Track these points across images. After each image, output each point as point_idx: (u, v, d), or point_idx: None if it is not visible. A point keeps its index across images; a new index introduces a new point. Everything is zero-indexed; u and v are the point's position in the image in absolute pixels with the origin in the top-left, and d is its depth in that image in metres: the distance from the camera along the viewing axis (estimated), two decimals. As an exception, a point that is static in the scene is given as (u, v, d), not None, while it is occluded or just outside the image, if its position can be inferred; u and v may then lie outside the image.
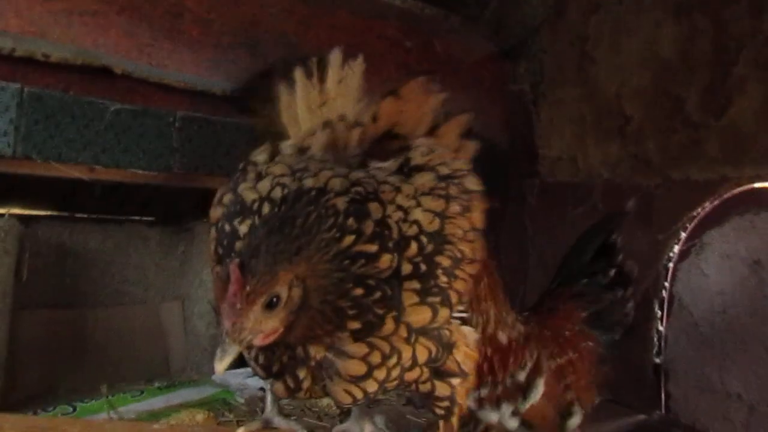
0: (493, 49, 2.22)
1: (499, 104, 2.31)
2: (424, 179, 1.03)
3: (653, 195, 1.89)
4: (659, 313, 1.86)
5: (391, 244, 0.94)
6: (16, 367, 1.80)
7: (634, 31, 1.92)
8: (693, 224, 1.80)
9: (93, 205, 2.07)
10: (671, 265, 1.84)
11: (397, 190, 1.00)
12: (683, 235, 1.82)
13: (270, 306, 0.88)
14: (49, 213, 2.05)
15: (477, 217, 1.04)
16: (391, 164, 1.07)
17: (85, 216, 2.09)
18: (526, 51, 2.24)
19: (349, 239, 0.92)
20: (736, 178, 1.71)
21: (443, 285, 0.98)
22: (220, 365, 0.87)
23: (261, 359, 0.99)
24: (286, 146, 1.10)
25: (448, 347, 1.02)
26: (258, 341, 0.89)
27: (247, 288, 0.87)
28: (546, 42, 2.20)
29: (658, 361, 1.85)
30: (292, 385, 0.97)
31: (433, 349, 0.99)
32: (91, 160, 1.55)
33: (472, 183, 1.08)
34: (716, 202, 1.75)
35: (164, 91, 1.63)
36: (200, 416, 1.46)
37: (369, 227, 0.94)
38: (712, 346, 1.72)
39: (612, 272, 1.48)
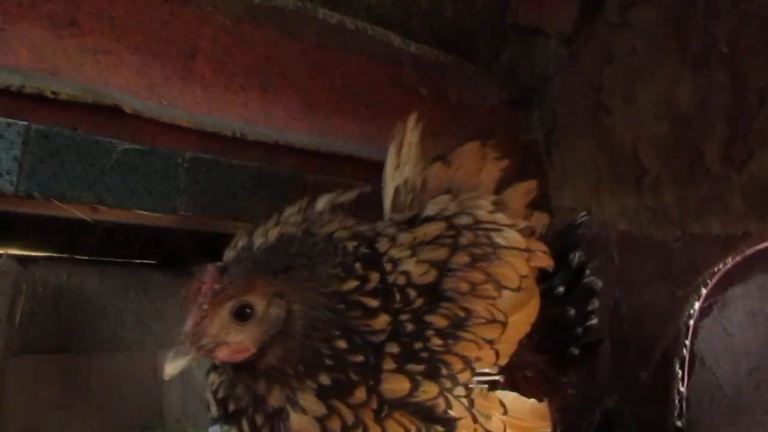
0: (506, 98, 2.21)
1: (511, 153, 2.27)
2: (430, 228, 0.97)
3: (672, 249, 1.83)
4: (680, 372, 1.77)
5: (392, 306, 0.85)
6: (3, 414, 1.71)
7: (650, 82, 1.91)
8: (714, 280, 1.74)
9: (93, 246, 2.02)
10: (692, 322, 1.77)
11: (393, 240, 0.93)
12: (704, 291, 1.75)
13: (240, 316, 0.81)
14: (47, 254, 1.99)
15: (505, 273, 0.96)
16: (401, 216, 1.02)
17: (85, 257, 2.04)
18: (538, 100, 2.23)
19: (352, 284, 0.86)
20: (759, 233, 1.65)
21: (436, 349, 0.84)
22: (170, 368, 0.79)
23: (220, 393, 0.89)
24: (321, 200, 1.05)
25: (448, 422, 0.84)
26: (222, 354, 0.81)
27: (216, 287, 0.80)
28: (559, 91, 2.19)
29: (679, 424, 1.76)
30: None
31: (412, 428, 0.82)
32: (95, 199, 1.50)
33: (507, 238, 1.00)
34: (739, 258, 1.69)
35: (174, 130, 1.59)
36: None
37: (374, 279, 0.87)
38: (738, 411, 1.64)
39: (561, 289, 1.32)
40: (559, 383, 1.28)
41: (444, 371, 0.85)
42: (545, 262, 1.11)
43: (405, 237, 0.94)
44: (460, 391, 0.87)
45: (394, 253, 0.91)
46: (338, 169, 1.87)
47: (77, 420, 1.89)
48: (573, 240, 1.38)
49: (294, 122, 1.78)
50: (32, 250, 1.93)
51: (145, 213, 1.60)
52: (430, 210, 1.03)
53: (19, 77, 1.34)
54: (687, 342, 1.76)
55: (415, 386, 0.82)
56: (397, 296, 0.86)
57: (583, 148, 2.08)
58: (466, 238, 0.97)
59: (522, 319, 0.99)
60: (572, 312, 1.29)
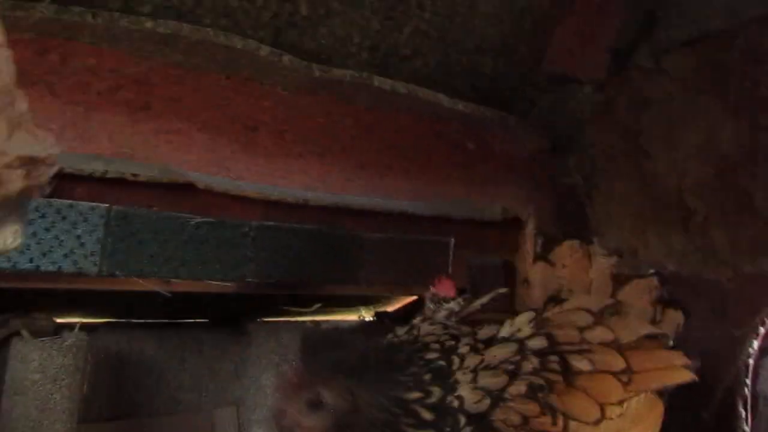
0: (544, 145, 2.26)
1: (551, 198, 2.32)
2: (499, 351, 0.95)
3: (725, 289, 1.86)
4: (743, 412, 1.79)
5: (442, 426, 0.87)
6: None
7: (691, 127, 1.96)
8: (772, 319, 1.76)
9: (150, 311, 2.06)
10: (752, 361, 1.79)
11: (462, 360, 0.93)
12: (762, 330, 1.78)
13: (314, 405, 0.85)
14: (107, 320, 2.03)
15: (577, 403, 0.92)
16: (484, 332, 1.02)
17: (142, 321, 2.07)
18: (575, 145, 2.28)
19: (416, 395, 0.88)
20: (814, 271, 1.68)
21: None
22: None
23: None
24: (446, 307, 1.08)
25: None
26: None
27: (296, 380, 0.86)
28: (595, 137, 2.24)
29: (748, 464, 1.77)
30: None
31: None
32: (171, 273, 1.55)
33: (594, 360, 0.96)
34: (796, 297, 1.72)
35: (240, 202, 1.64)
36: None
37: (436, 395, 0.89)
38: (807, 450, 1.64)
39: None
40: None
41: None
42: (669, 378, 1.10)
43: (473, 359, 0.94)
44: None
45: (459, 375, 0.92)
46: (393, 225, 1.92)
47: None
48: None
49: (349, 183, 1.83)
50: (94, 318, 1.97)
51: (214, 282, 1.65)
52: (506, 330, 1.01)
53: (102, 163, 1.40)
54: (748, 381, 1.78)
55: None
56: (449, 419, 0.87)
57: (625, 191, 2.13)
58: (531, 363, 0.94)
59: None
60: None
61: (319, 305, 2.22)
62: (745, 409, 1.78)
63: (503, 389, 0.90)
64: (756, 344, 1.79)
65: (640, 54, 2.12)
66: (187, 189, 1.53)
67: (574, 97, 2.24)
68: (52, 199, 1.37)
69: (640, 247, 2.09)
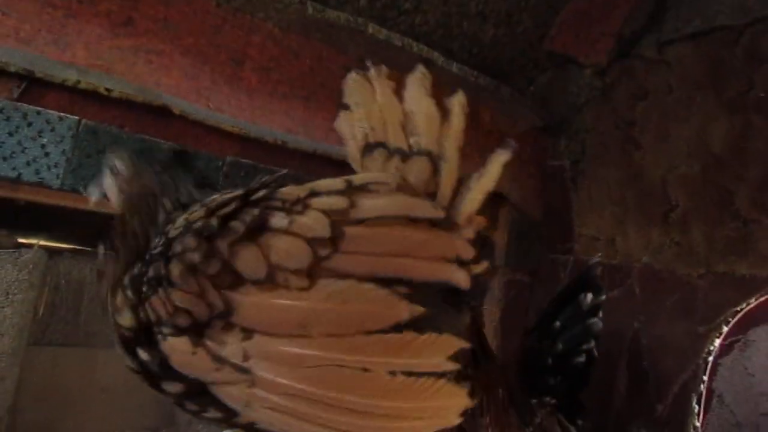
0: (537, 124, 2.23)
1: (537, 178, 2.30)
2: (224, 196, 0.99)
3: (695, 285, 1.85)
4: (697, 408, 1.79)
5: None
6: (19, 406, 1.70)
7: (684, 122, 1.93)
8: (737, 319, 1.75)
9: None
10: (711, 359, 1.79)
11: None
12: (726, 329, 1.77)
13: None
14: (71, 246, 1.99)
15: (244, 256, 0.88)
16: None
17: (107, 252, 2.03)
18: (568, 128, 2.25)
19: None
20: (785, 277, 1.68)
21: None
22: None
23: None
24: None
25: None
26: None
27: None
28: (589, 122, 2.21)
29: (694, 459, 1.77)
30: None
31: None
32: (136, 197, 1.51)
33: (290, 221, 0.89)
34: (763, 299, 1.71)
35: (217, 134, 1.60)
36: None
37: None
38: (755, 451, 1.65)
39: (557, 324, 1.39)
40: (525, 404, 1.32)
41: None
42: (396, 268, 0.89)
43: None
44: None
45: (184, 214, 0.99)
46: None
47: (90, 417, 1.89)
48: (587, 281, 1.43)
49: (333, 133, 1.78)
50: (58, 242, 1.92)
51: (181, 213, 1.61)
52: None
53: (75, 72, 1.35)
54: (705, 378, 1.78)
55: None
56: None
57: (611, 179, 2.10)
58: (228, 209, 0.92)
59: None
60: (559, 347, 1.36)
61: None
62: (699, 405, 1.78)
63: (192, 222, 0.93)
64: (718, 342, 1.78)
65: (644, 43, 2.09)
66: (161, 113, 1.49)
67: (573, 79, 2.20)
68: (19, 103, 1.32)
69: (617, 236, 2.07)
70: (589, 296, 1.40)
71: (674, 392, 1.84)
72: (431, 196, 0.98)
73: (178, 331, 0.88)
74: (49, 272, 1.81)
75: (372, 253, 0.89)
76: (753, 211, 1.74)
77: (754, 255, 1.74)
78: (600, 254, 1.68)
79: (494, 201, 2.22)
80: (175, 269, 0.90)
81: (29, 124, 1.33)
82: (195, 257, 0.89)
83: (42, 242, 1.77)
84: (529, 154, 2.27)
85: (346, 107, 1.13)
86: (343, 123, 1.16)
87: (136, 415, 1.94)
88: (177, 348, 0.88)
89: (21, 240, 1.75)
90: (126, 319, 0.94)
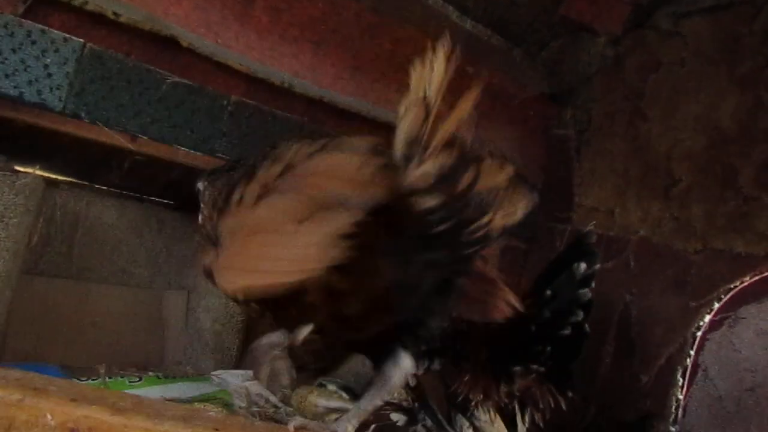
0: (546, 90, 2.21)
1: (541, 145, 2.28)
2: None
3: (691, 260, 1.85)
4: (681, 380, 1.81)
5: None
6: (10, 331, 1.71)
7: (694, 96, 1.91)
8: (729, 296, 1.76)
9: (115, 179, 2.00)
10: (700, 334, 1.80)
11: None
12: (717, 305, 1.78)
13: None
14: (70, 179, 1.97)
15: None
16: None
17: (105, 188, 2.02)
18: (576, 97, 2.23)
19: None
20: (780, 257, 1.68)
21: None
22: None
23: None
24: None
25: None
26: None
27: None
28: (598, 91, 2.19)
29: (673, 430, 1.79)
30: None
31: None
32: (138, 129, 1.49)
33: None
34: (758, 278, 1.72)
35: (224, 72, 1.58)
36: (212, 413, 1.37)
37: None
38: (735, 424, 1.67)
39: (549, 293, 1.36)
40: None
41: None
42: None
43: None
44: None
45: None
46: (376, 134, 1.87)
47: (79, 349, 1.90)
48: (582, 249, 1.41)
49: (340, 82, 1.77)
50: (56, 173, 1.91)
51: (182, 150, 1.59)
52: None
53: (83, -7, 1.32)
54: (692, 352, 1.80)
55: None
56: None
57: (615, 151, 2.09)
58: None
59: None
60: (546, 315, 1.34)
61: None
62: (684, 378, 1.81)
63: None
64: (708, 318, 1.80)
65: (661, 14, 2.06)
66: (169, 44, 1.46)
67: (586, 47, 2.18)
68: (24, 20, 1.29)
69: (617, 208, 2.07)
70: (583, 265, 1.37)
71: (660, 364, 1.86)
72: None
73: None
74: (46, 202, 1.80)
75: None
76: (755, 189, 1.74)
77: (752, 233, 1.74)
78: (594, 222, 1.65)
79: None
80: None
81: (33, 42, 1.30)
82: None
83: (39, 171, 1.76)
84: (534, 121, 2.25)
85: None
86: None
87: (125, 351, 1.95)
88: None
89: (18, 168, 1.74)
90: None
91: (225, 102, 1.59)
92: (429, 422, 1.38)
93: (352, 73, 1.78)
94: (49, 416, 0.69)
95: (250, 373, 1.85)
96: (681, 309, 1.84)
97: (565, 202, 2.21)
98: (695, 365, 1.80)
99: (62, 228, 1.88)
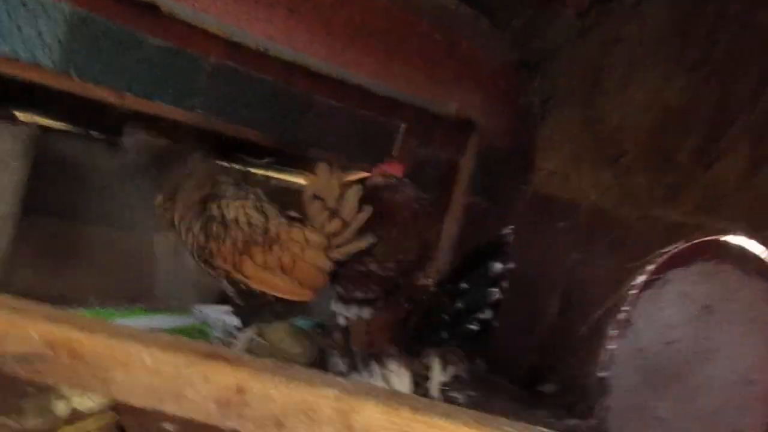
0: (513, 58, 2.32)
1: (507, 112, 2.41)
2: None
3: (632, 226, 2.02)
4: (612, 333, 2.01)
5: None
6: (13, 267, 1.90)
7: (647, 73, 2.04)
8: (661, 260, 1.94)
9: (108, 127, 2.15)
10: (632, 292, 1.99)
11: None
12: (650, 267, 1.96)
13: None
14: (65, 127, 2.13)
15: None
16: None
17: (98, 136, 2.17)
18: (542, 68, 2.35)
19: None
20: (710, 227, 1.84)
21: None
22: None
23: None
24: None
25: None
26: None
27: None
28: (564, 63, 2.30)
29: (602, 375, 2.01)
30: None
31: None
32: (124, 87, 1.64)
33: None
34: (687, 245, 1.88)
35: (201, 35, 1.71)
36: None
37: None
38: (652, 372, 1.88)
39: (464, 286, 1.44)
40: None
41: None
42: None
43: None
44: None
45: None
46: (346, 96, 2.01)
47: (76, 285, 2.09)
48: (499, 249, 1.46)
49: (312, 45, 1.89)
50: (52, 120, 2.06)
51: (164, 106, 1.74)
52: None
53: (69, -40, 1.44)
54: (625, 308, 1.99)
55: None
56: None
57: (573, 120, 2.23)
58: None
59: None
60: (458, 306, 1.44)
61: (269, 159, 2.34)
62: (615, 330, 2.00)
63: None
64: (641, 278, 1.98)
65: (626, -10, 2.15)
66: (150, 9, 1.59)
67: (555, 19, 2.27)
68: (17, -14, 1.42)
69: (572, 174, 2.23)
70: (498, 265, 1.42)
71: (596, 318, 2.06)
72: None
73: None
74: (42, 147, 1.95)
75: None
76: (692, 165, 1.89)
77: (687, 204, 1.90)
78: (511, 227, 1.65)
79: (465, 127, 2.35)
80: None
81: (24, 5, 1.44)
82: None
83: (36, 119, 1.91)
84: (502, 89, 2.37)
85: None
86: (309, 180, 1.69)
87: (116, 287, 2.14)
88: None
89: (17, 115, 1.89)
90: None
91: (204, 64, 1.73)
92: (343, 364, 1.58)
93: (324, 38, 1.90)
94: (33, 332, 0.89)
95: (228, 307, 2.06)
96: (620, 269, 2.02)
97: (528, 166, 2.37)
98: (625, 320, 1.99)
99: (57, 172, 2.04)
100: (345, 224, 1.64)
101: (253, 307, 1.74)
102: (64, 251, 2.06)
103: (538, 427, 0.96)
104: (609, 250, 2.08)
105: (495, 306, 1.41)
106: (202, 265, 1.66)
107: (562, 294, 2.19)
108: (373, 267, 1.67)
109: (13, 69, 1.53)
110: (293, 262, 1.61)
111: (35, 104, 1.88)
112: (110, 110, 1.97)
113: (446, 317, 1.44)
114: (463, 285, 1.44)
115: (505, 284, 1.41)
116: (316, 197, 1.64)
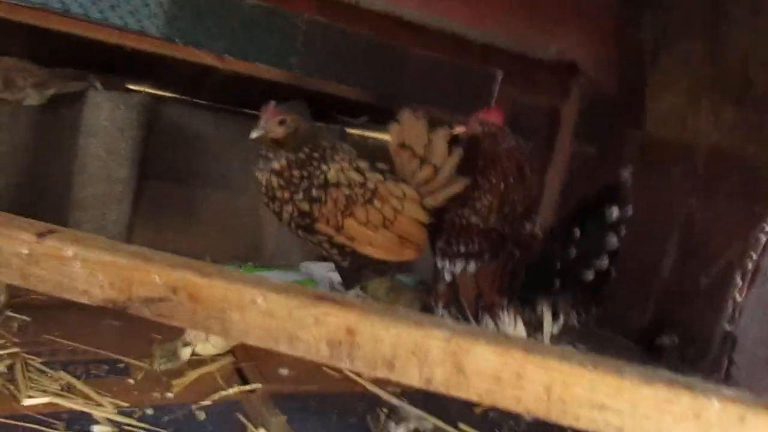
0: (621, -8, 2.15)
1: (615, 51, 2.25)
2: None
3: (759, 167, 1.84)
4: (740, 282, 1.85)
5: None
6: (134, 227, 2.05)
7: (779, -8, 1.81)
8: (797, 200, 1.75)
9: (212, 94, 2.25)
10: (764, 238, 1.82)
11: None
12: (783, 209, 1.78)
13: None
14: (173, 95, 2.24)
15: None
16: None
17: (203, 103, 2.27)
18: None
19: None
20: None
21: None
22: None
23: None
24: None
25: None
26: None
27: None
28: (680, -8, 2.10)
29: (728, 328, 1.86)
30: None
31: None
32: (224, 50, 1.69)
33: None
34: (827, 181, 1.69)
35: (296, -7, 1.72)
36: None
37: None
38: (788, 324, 1.72)
39: (577, 233, 1.33)
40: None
41: None
42: None
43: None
44: None
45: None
46: (441, 45, 1.96)
47: (190, 242, 2.22)
48: (617, 193, 1.34)
49: (402, -4, 1.85)
50: (161, 90, 2.18)
51: (264, 67, 1.78)
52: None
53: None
54: (754, 255, 1.82)
55: None
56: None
57: (692, 53, 2.03)
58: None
59: None
60: (572, 253, 1.33)
61: (365, 118, 2.34)
62: (743, 280, 1.84)
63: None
64: (773, 223, 1.80)
65: None
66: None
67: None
68: (122, -42, 1.49)
69: (689, 114, 2.05)
70: (615, 210, 1.31)
71: (720, 267, 1.90)
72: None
73: None
74: (155, 116, 2.07)
75: None
76: (834, 90, 1.68)
77: (826, 137, 1.70)
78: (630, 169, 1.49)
79: (567, 70, 2.22)
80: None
81: (131, -23, 1.51)
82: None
83: (147, 89, 2.02)
84: (608, 26, 2.21)
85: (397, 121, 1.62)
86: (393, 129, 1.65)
87: (227, 246, 2.26)
88: None
89: (130, 86, 2.01)
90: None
91: (298, 21, 1.74)
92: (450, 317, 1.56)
93: (417, -14, 1.85)
94: (156, 277, 0.94)
95: (333, 264, 2.11)
96: (746, 214, 1.85)
97: (638, 108, 2.21)
98: (756, 268, 1.82)
99: (169, 139, 2.16)
100: (436, 170, 1.62)
101: (357, 269, 1.75)
102: (180, 213, 2.19)
103: (662, 370, 0.90)
104: (733, 194, 1.90)
105: (613, 255, 1.29)
106: (301, 233, 1.65)
107: (680, 242, 2.04)
108: (473, 220, 1.63)
109: (124, 39, 1.62)
110: (394, 216, 1.61)
111: (146, 75, 1.98)
112: (212, 77, 2.06)
113: (558, 265, 1.36)
114: (576, 231, 1.34)
115: (623, 232, 1.30)
116: (403, 146, 1.63)
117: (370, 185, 1.61)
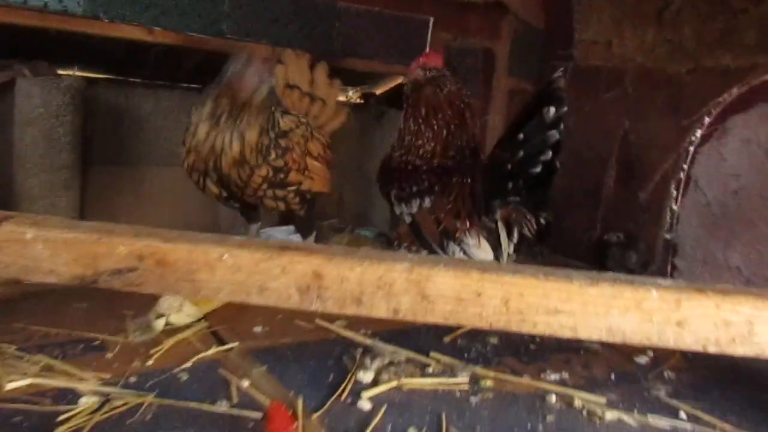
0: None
1: (540, -15, 2.31)
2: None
3: (683, 81, 1.94)
4: (675, 193, 1.98)
5: None
6: (86, 214, 2.02)
7: None
8: (718, 110, 1.87)
9: (147, 71, 2.20)
10: (692, 148, 1.94)
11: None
12: (707, 120, 1.89)
13: None
14: (107, 77, 2.19)
15: None
16: None
17: (140, 81, 2.23)
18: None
19: None
20: (765, 66, 1.75)
21: None
22: None
23: None
24: None
25: None
26: None
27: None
28: None
29: (668, 236, 2.00)
30: None
31: None
32: (151, 21, 1.66)
33: None
34: (744, 89, 1.80)
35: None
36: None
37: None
38: (720, 225, 1.85)
39: (521, 136, 1.42)
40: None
41: None
42: None
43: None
44: None
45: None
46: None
47: (144, 223, 2.20)
48: (550, 94, 1.41)
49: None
50: (93, 72, 2.12)
51: (194, 35, 1.76)
52: None
53: None
54: (685, 166, 1.94)
55: None
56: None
57: (611, -19, 2.11)
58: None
59: None
60: (519, 155, 1.42)
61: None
62: (677, 190, 1.97)
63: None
64: (699, 133, 1.92)
65: None
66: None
67: None
68: (34, -65, 1.44)
69: (614, 39, 2.14)
70: (552, 109, 1.38)
71: (656, 181, 2.03)
72: None
73: None
74: (91, 99, 2.02)
75: None
76: (744, 1, 1.77)
77: (740, 47, 1.81)
78: (561, 69, 1.56)
79: (496, 11, 2.27)
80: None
81: (46, -46, 1.46)
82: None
83: (79, 72, 1.97)
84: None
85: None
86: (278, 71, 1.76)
87: (182, 224, 2.25)
88: None
89: (60, 71, 1.95)
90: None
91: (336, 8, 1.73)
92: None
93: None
94: (121, 248, 0.96)
95: (292, 228, 2.14)
96: (674, 128, 1.97)
97: (566, 40, 2.28)
98: (687, 178, 1.95)
99: (108, 121, 2.12)
100: (324, 104, 1.80)
101: (309, 216, 1.82)
102: (131, 194, 2.17)
103: (607, 272, 0.99)
104: (662, 111, 2.01)
105: (556, 147, 1.38)
106: (274, 192, 1.63)
107: (618, 163, 2.16)
108: (419, 162, 1.68)
109: (46, 21, 1.57)
110: (323, 147, 1.78)
111: (75, 57, 1.93)
112: (144, 52, 2.01)
113: (509, 167, 1.44)
114: (521, 136, 1.43)
115: (562, 126, 1.38)
116: (289, 86, 1.76)
117: (303, 120, 1.72)
